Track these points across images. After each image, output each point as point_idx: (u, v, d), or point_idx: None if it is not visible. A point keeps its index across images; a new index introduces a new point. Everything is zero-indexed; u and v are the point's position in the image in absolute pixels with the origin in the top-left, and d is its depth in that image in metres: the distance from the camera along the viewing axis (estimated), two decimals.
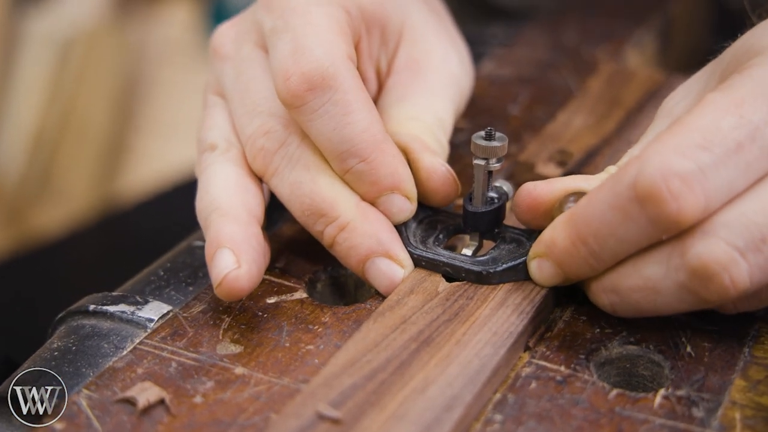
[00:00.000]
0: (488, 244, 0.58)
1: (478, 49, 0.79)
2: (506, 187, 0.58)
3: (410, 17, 0.65)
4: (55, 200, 2.03)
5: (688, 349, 0.53)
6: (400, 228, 0.57)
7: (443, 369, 0.50)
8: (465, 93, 0.67)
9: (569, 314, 0.56)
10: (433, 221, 0.59)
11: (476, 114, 0.74)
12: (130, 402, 0.49)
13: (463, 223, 0.58)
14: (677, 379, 0.51)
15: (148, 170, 2.07)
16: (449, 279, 0.56)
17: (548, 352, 0.53)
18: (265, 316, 0.55)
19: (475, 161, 0.57)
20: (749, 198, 0.49)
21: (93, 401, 0.50)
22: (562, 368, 0.52)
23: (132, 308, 0.55)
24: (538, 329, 0.55)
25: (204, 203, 0.58)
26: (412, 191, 0.57)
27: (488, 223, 0.58)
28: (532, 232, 0.57)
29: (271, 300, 0.57)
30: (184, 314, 0.56)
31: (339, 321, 0.55)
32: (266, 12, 0.59)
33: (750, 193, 0.49)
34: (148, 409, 0.49)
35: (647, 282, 0.51)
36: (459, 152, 0.70)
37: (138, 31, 2.29)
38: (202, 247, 0.61)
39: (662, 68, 0.87)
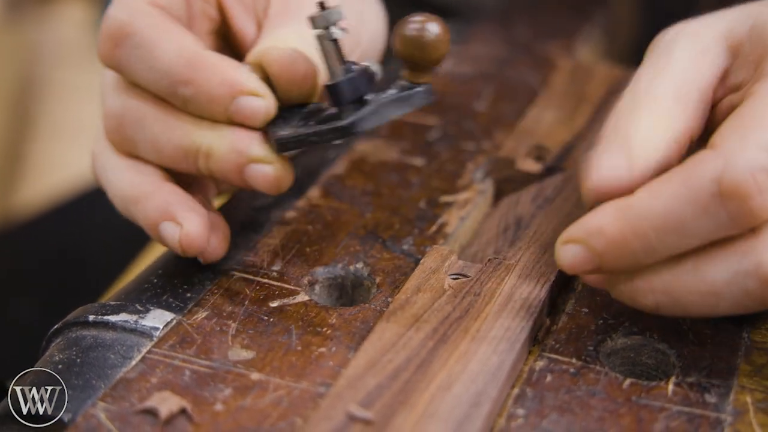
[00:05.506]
0: None
1: None
2: (374, 67, 0.54)
3: None
4: None
5: (691, 336, 0.54)
6: (265, 129, 0.54)
7: (464, 366, 0.50)
8: (362, 38, 0.64)
9: (571, 307, 0.57)
10: (306, 119, 0.55)
11: (444, 110, 0.74)
12: (151, 413, 0.48)
13: (329, 103, 0.54)
14: (685, 366, 0.53)
15: (48, 178, 2.02)
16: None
17: (557, 345, 0.54)
18: (271, 320, 0.55)
19: (315, 33, 0.53)
20: None
21: (112, 414, 0.48)
22: (574, 360, 0.53)
23: (134, 317, 0.54)
24: (545, 322, 0.55)
25: (116, 202, 0.59)
26: (257, 86, 0.54)
27: (351, 91, 0.53)
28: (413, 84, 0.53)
29: (274, 304, 0.56)
30: (188, 321, 0.54)
31: (346, 323, 0.55)
32: None
33: None
34: (170, 419, 0.48)
35: (710, 286, 0.49)
36: (434, 149, 0.70)
37: (31, 31, 2.23)
38: None
39: (613, 62, 0.89)
